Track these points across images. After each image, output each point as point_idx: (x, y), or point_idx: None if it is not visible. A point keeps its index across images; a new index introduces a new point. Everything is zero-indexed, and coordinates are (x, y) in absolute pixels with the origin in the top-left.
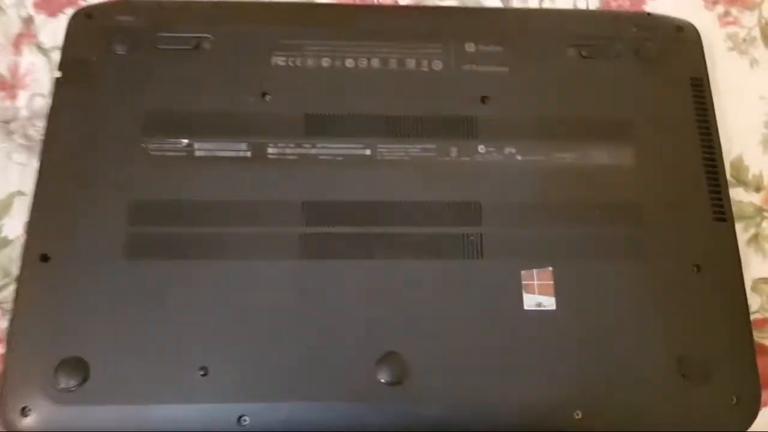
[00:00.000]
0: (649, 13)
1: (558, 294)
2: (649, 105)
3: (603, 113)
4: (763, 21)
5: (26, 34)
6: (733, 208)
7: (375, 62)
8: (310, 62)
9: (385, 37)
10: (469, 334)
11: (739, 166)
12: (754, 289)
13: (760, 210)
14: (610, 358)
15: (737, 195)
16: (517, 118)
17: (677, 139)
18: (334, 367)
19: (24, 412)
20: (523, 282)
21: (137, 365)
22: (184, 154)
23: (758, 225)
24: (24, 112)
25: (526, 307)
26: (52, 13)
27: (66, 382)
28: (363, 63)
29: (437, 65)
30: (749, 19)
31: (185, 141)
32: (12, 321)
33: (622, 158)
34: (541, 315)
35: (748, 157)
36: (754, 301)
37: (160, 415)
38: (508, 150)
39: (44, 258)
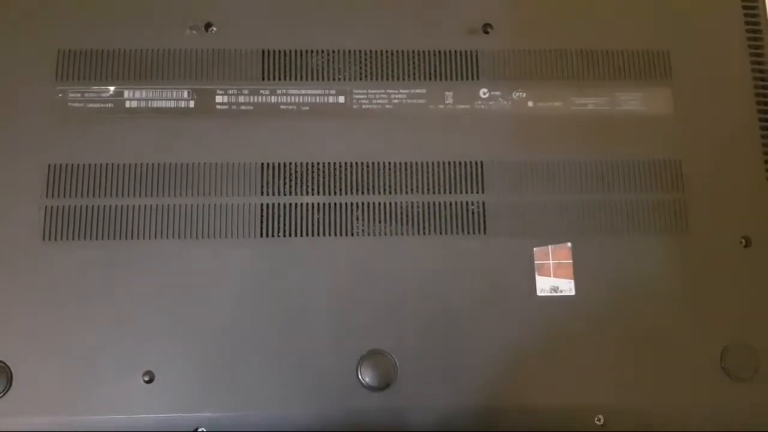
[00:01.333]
0: None
1: (578, 276)
2: (690, 33)
3: (634, 45)
4: None
5: None
6: None
7: None
8: None
9: None
10: (470, 327)
11: None
12: None
13: None
14: (640, 352)
15: None
16: (529, 52)
17: (725, 77)
18: (308, 368)
19: None
20: (536, 262)
21: (68, 370)
22: (111, 105)
23: None
24: None
25: (539, 293)
26: None
27: None
28: None
29: None
30: None
31: (112, 89)
32: None
33: (657, 103)
34: (557, 302)
35: None
36: None
37: (100, 429)
38: (516, 94)
39: None
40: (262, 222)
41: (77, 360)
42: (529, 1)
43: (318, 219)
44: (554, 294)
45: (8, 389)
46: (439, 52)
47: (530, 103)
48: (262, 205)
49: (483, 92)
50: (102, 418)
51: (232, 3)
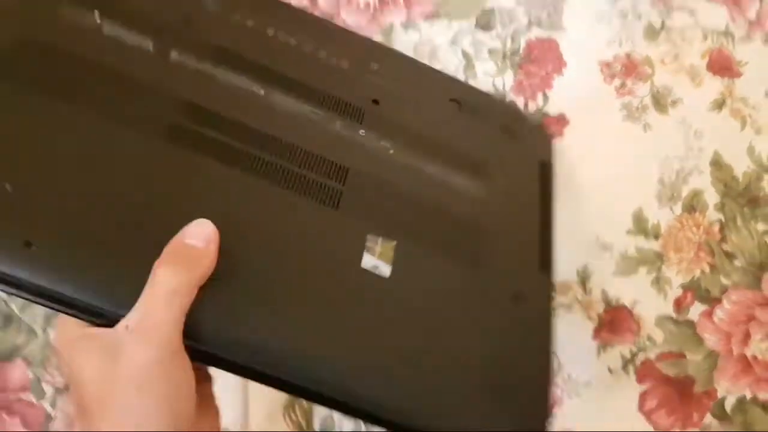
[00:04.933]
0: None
1: (395, 265)
2: (505, 162)
3: (468, 150)
4: (654, 89)
5: None
6: (637, 255)
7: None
8: None
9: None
10: (297, 273)
11: (639, 217)
12: (657, 324)
13: (659, 255)
14: (419, 334)
15: (639, 243)
16: (398, 123)
17: (521, 196)
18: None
19: None
20: (367, 243)
21: None
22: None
23: (658, 269)
24: None
25: (362, 265)
26: None
27: None
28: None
29: (345, 64)
30: (642, 89)
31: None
32: None
33: (476, 189)
34: (373, 277)
35: (646, 209)
36: (657, 336)
37: None
38: (383, 143)
39: None
40: (172, 132)
41: None
42: (407, 97)
43: (216, 148)
44: (373, 270)
45: None
46: (341, 99)
47: (391, 151)
48: (175, 123)
49: (362, 132)
50: None
51: None
